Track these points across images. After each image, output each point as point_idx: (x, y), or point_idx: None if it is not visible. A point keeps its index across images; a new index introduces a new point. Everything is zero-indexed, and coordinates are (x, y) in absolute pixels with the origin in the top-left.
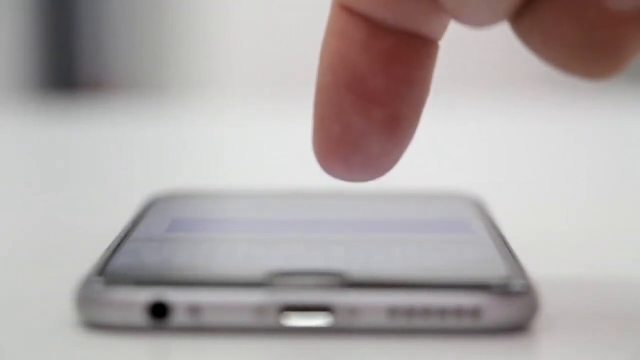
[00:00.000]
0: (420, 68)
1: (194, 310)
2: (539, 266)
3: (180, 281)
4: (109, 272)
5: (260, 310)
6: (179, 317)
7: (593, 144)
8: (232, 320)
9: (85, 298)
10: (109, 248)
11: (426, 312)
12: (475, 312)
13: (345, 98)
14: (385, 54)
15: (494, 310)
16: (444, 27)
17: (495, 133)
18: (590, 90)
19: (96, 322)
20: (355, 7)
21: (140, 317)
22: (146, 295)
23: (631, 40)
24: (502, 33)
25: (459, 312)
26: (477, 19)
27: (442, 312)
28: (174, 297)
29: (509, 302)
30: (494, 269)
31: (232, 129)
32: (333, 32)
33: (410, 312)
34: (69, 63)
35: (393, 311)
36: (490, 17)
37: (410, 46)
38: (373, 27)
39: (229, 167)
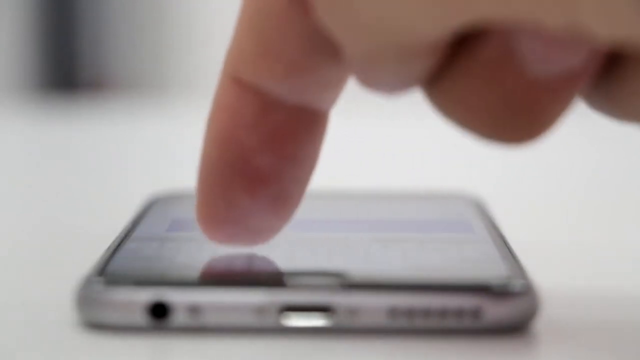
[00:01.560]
0: (309, 144)
1: (194, 310)
2: (539, 266)
3: (180, 281)
4: (109, 272)
5: (260, 310)
6: (179, 317)
7: (594, 145)
8: (232, 320)
9: (85, 298)
10: (109, 248)
11: (426, 312)
12: (475, 312)
13: (230, 176)
14: (273, 131)
15: (494, 310)
16: (336, 98)
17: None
18: None
19: (96, 322)
20: (247, 79)
21: (140, 317)
22: (146, 295)
23: (553, 106)
24: None
25: (459, 312)
26: (385, 85)
27: (442, 312)
28: (174, 297)
29: (509, 302)
30: (494, 269)
31: None
32: (220, 106)
33: (410, 312)
34: (69, 63)
35: (393, 311)
36: (404, 80)
37: (300, 121)
38: (263, 101)
39: None
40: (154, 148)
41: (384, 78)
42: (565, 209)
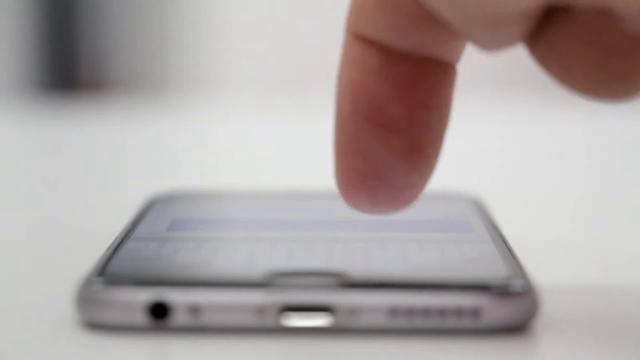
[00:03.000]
0: (439, 93)
1: (194, 310)
2: (539, 266)
3: (180, 281)
4: (109, 272)
5: (260, 310)
6: (179, 317)
7: (594, 145)
8: (232, 320)
9: (85, 298)
10: (109, 248)
11: (426, 312)
12: (475, 312)
13: (364, 129)
14: (402, 80)
15: (494, 310)
16: (460, 51)
17: (496, 133)
18: None
19: (96, 322)
20: (369, 34)
21: (140, 317)
22: (146, 295)
23: None
24: None
25: (459, 312)
26: (490, 43)
27: (442, 312)
28: (174, 297)
29: (509, 302)
30: (494, 269)
31: (232, 128)
32: (347, 61)
33: (410, 312)
34: (69, 63)
35: (393, 311)
36: (503, 41)
37: (427, 71)
38: (388, 54)
39: (229, 167)
40: (154, 148)
41: (481, 40)
42: (565, 209)
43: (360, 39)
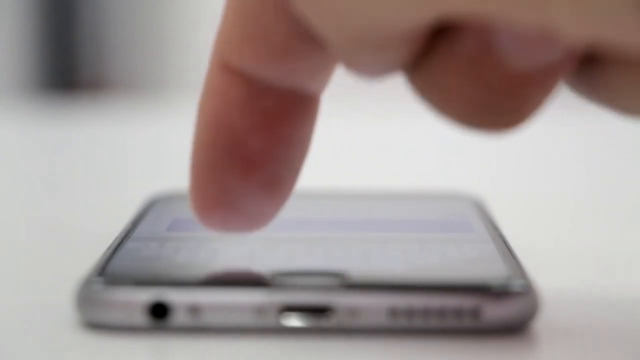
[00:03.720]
0: (301, 126)
1: (194, 310)
2: (539, 266)
3: (180, 281)
4: (109, 272)
5: (260, 310)
6: (179, 317)
7: (594, 145)
8: (232, 320)
9: (85, 298)
10: (109, 248)
11: (426, 312)
12: (475, 312)
13: (222, 160)
14: (264, 114)
15: (494, 310)
16: (325, 82)
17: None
18: None
19: (96, 322)
20: (236, 64)
21: (140, 317)
22: (146, 295)
23: (533, 96)
24: None
25: (458, 312)
26: (369, 68)
27: (442, 312)
28: (174, 297)
29: (509, 302)
30: (494, 269)
31: None
32: (210, 90)
33: (410, 312)
34: (69, 63)
35: (393, 311)
36: (382, 66)
37: (291, 105)
38: (252, 85)
39: None
40: (154, 148)
41: (363, 64)
42: (565, 209)
43: (225, 69)
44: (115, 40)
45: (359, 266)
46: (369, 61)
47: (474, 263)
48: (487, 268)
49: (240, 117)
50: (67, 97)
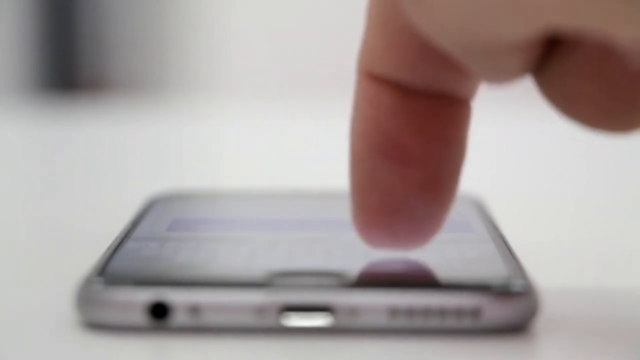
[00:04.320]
0: (454, 127)
1: (194, 310)
2: (539, 266)
3: (180, 281)
4: (109, 272)
5: (260, 310)
6: (179, 317)
7: (595, 145)
8: (232, 320)
9: (85, 298)
10: (109, 248)
11: (426, 312)
12: (475, 312)
13: (381, 164)
14: (416, 114)
15: (494, 310)
16: (473, 87)
17: (496, 133)
18: None
19: (96, 322)
20: (381, 73)
21: (140, 317)
22: (146, 295)
23: None
24: None
25: (459, 312)
26: (493, 76)
27: (442, 312)
28: (174, 297)
29: (509, 302)
30: (494, 269)
31: (232, 128)
32: (360, 99)
33: (410, 312)
34: (69, 63)
35: (393, 311)
36: (506, 73)
37: (441, 107)
38: (401, 90)
39: (229, 167)
40: (154, 148)
41: (486, 73)
42: (566, 209)
43: (372, 78)
44: (115, 40)
45: (359, 266)
46: (490, 70)
47: (474, 263)
48: (487, 268)
49: (393, 119)
50: (67, 97)
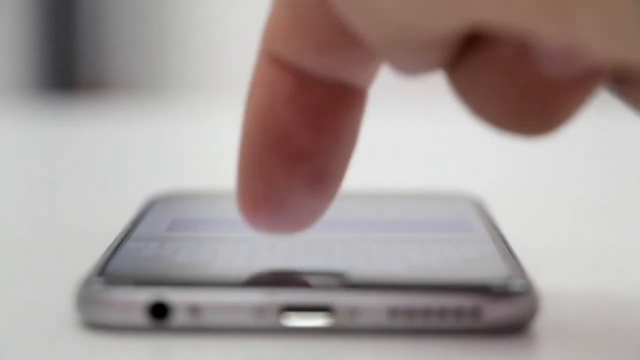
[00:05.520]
0: (349, 120)
1: (194, 310)
2: (539, 266)
3: (180, 281)
4: (109, 272)
5: (260, 310)
6: (179, 317)
7: (595, 145)
8: (232, 320)
9: (85, 298)
10: (109, 248)
11: (426, 312)
12: (475, 312)
13: (269, 155)
14: (311, 107)
15: (494, 310)
16: (373, 76)
17: (496, 133)
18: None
19: (96, 322)
20: (283, 55)
21: (140, 317)
22: (146, 295)
23: (568, 102)
24: None
25: (458, 312)
26: (408, 68)
27: (442, 312)
28: (174, 297)
29: (509, 302)
30: (494, 269)
31: (232, 128)
32: (258, 83)
33: (410, 312)
34: (69, 63)
35: (393, 311)
36: (421, 66)
37: (339, 98)
38: (300, 78)
39: (229, 167)
40: (154, 148)
41: (400, 63)
42: (566, 209)
43: (273, 61)
44: (115, 40)
45: (359, 266)
46: (406, 61)
47: (474, 263)
48: (487, 268)
49: (287, 108)
50: (67, 97)
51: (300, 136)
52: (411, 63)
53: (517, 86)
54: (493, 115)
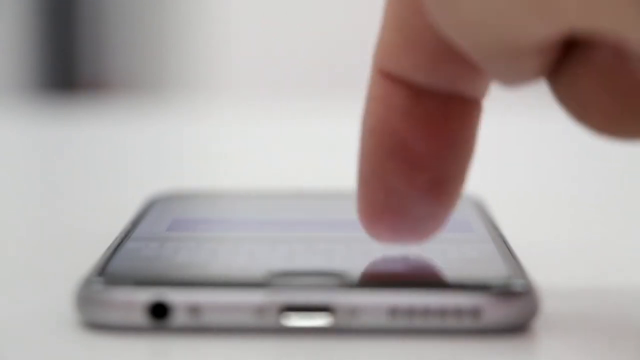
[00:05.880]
0: (464, 129)
1: (194, 310)
2: (539, 266)
3: (180, 281)
4: (109, 272)
5: (260, 310)
6: (179, 317)
7: (595, 146)
8: (232, 320)
9: (85, 298)
10: (109, 248)
11: (426, 312)
12: (475, 312)
13: (388, 164)
14: (427, 117)
15: (494, 310)
16: (485, 87)
17: (496, 133)
18: None
19: (96, 322)
20: (396, 72)
21: (140, 317)
22: (146, 295)
23: None
24: None
25: (459, 312)
26: (509, 77)
27: (442, 312)
28: (174, 297)
29: (509, 302)
30: (494, 269)
31: (232, 128)
32: (373, 97)
33: (410, 312)
34: (69, 63)
35: (393, 311)
36: (522, 75)
37: (452, 108)
38: (414, 91)
39: (229, 167)
40: (154, 148)
41: (500, 73)
42: (566, 209)
43: (386, 76)
44: (115, 40)
45: (359, 266)
46: (507, 71)
47: (474, 263)
48: (487, 268)
49: (403, 120)
50: (67, 97)
51: (419, 145)
52: (512, 73)
53: (618, 90)
54: (595, 122)
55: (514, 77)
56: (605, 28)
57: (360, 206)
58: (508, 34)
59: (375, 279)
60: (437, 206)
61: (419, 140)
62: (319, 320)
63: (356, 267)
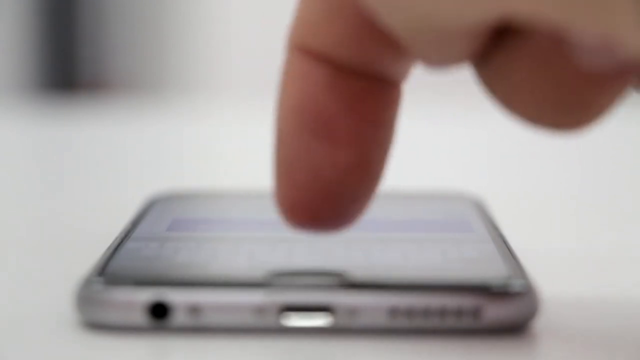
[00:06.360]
0: (386, 110)
1: (194, 310)
2: (539, 266)
3: (180, 281)
4: (109, 272)
5: (260, 310)
6: (179, 317)
7: (595, 146)
8: (232, 320)
9: (85, 298)
10: (109, 248)
11: (426, 312)
12: (475, 312)
13: (310, 143)
14: (351, 94)
15: (494, 310)
16: (406, 71)
17: (496, 133)
18: None
19: (96, 322)
20: (317, 48)
21: (140, 317)
22: (146, 295)
23: (602, 98)
24: None
25: (458, 312)
26: (436, 61)
27: (442, 312)
28: (174, 297)
29: (509, 302)
30: (494, 269)
31: (232, 128)
32: (293, 75)
33: (410, 312)
34: (69, 63)
35: (393, 311)
36: (449, 59)
37: (373, 88)
38: (335, 68)
39: (229, 167)
40: (154, 148)
41: (428, 56)
42: (566, 209)
43: (306, 53)
44: (115, 40)
45: (359, 266)
46: (434, 53)
47: (474, 263)
48: (487, 268)
49: (326, 97)
50: (67, 97)
51: (342, 122)
52: (439, 55)
53: (551, 79)
54: (525, 109)
55: (440, 59)
56: (547, 17)
57: (280, 193)
58: (441, 17)
59: (375, 279)
60: (359, 188)
61: (342, 118)
62: (319, 320)
63: (356, 267)
